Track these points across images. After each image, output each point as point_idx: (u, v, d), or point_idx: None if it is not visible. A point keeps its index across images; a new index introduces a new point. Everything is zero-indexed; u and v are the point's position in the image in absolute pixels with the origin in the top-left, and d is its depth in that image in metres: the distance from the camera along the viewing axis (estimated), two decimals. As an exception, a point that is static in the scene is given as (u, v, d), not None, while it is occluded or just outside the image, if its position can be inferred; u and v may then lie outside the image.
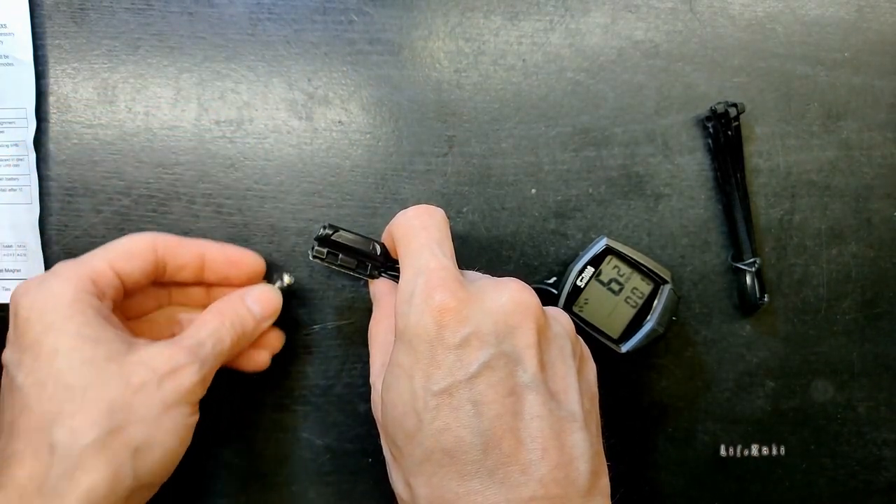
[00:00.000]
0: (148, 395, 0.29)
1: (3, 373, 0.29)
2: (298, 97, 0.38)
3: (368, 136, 0.38)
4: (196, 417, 0.31)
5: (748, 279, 0.38)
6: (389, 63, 0.38)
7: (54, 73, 0.38)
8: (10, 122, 0.37)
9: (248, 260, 0.35)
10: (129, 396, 0.28)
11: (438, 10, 0.38)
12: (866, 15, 0.39)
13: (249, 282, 0.35)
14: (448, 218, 0.32)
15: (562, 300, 0.36)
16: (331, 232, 0.33)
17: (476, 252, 0.39)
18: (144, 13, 0.38)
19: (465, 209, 0.39)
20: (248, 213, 0.38)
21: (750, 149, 0.39)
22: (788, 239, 0.39)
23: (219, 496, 0.38)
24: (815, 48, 0.39)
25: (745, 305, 0.38)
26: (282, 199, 0.38)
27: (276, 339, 0.36)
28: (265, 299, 0.34)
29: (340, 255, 0.33)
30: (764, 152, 0.39)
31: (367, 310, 0.38)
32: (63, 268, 0.30)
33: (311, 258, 0.33)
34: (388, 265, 0.34)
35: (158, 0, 0.38)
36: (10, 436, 0.27)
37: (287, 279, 0.36)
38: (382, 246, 0.34)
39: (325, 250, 0.33)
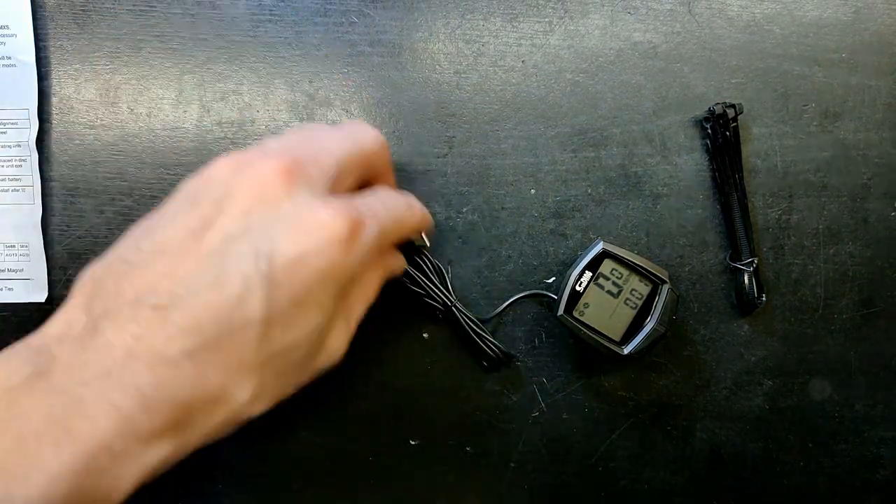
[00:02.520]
0: (307, 378, 0.29)
1: (255, 276, 0.24)
2: (300, 98, 0.38)
3: (369, 136, 0.39)
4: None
5: (746, 279, 0.38)
6: (390, 65, 0.39)
7: (56, 74, 0.38)
8: (12, 123, 0.37)
9: (430, 224, 0.35)
10: (305, 379, 0.29)
11: (439, 12, 0.39)
12: (863, 16, 0.39)
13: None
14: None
15: (561, 306, 0.36)
16: None
17: (476, 252, 0.39)
18: (146, 15, 0.38)
19: (465, 209, 0.39)
20: (250, 214, 0.38)
21: (748, 149, 0.39)
22: (786, 238, 0.39)
23: (219, 496, 0.39)
24: (812, 49, 0.39)
25: (743, 305, 0.38)
26: (283, 199, 0.38)
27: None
28: (400, 268, 0.35)
29: None
30: (762, 152, 0.39)
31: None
32: (370, 240, 0.27)
33: None
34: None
35: (160, 2, 0.38)
36: (188, 314, 0.24)
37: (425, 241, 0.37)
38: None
39: None
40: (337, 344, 0.29)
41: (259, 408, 0.27)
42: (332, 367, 0.30)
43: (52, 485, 0.22)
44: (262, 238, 0.25)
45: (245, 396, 0.26)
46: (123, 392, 0.23)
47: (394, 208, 0.30)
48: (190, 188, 0.27)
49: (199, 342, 0.24)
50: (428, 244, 0.37)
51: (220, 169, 0.27)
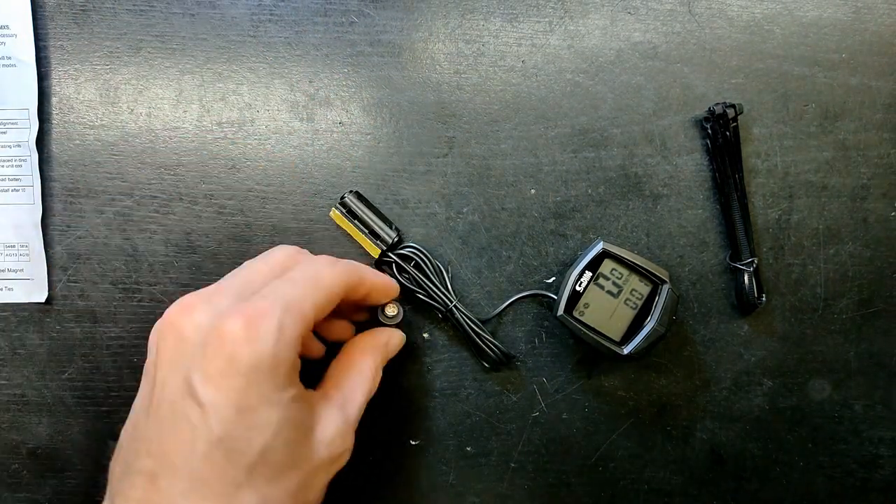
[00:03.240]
0: (321, 476, 0.30)
1: (191, 405, 0.27)
2: (300, 98, 0.38)
3: (369, 137, 0.39)
4: None
5: (746, 279, 0.38)
6: (390, 64, 0.39)
7: (56, 74, 0.38)
8: (12, 123, 0.37)
9: (395, 290, 0.36)
10: (311, 479, 0.29)
11: (439, 11, 0.39)
12: (863, 16, 0.39)
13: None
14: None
15: (561, 306, 0.36)
16: (355, 197, 0.37)
17: (476, 252, 0.39)
18: (146, 14, 0.38)
19: (465, 209, 0.39)
20: (250, 214, 0.38)
21: (748, 149, 0.39)
22: (786, 239, 0.39)
23: (220, 495, 0.39)
24: (812, 49, 0.39)
25: (743, 305, 0.39)
26: (283, 199, 0.38)
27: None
28: (398, 348, 0.36)
29: (359, 217, 0.37)
30: (762, 153, 0.39)
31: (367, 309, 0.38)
32: (285, 319, 0.28)
33: (330, 214, 0.37)
34: (395, 249, 0.37)
35: (160, 1, 0.38)
36: (166, 466, 0.26)
37: (401, 311, 0.37)
38: (398, 232, 0.37)
39: (349, 206, 0.37)
40: (330, 434, 0.30)
41: None
42: (342, 458, 0.31)
43: None
44: (185, 372, 0.27)
45: None
46: None
47: (302, 277, 0.30)
48: (144, 367, 0.30)
49: (185, 484, 0.26)
50: (397, 314, 0.37)
51: (150, 338, 0.30)
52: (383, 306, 0.37)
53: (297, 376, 0.29)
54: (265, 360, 0.27)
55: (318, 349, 0.36)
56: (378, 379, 0.34)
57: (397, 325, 0.37)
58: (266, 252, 0.33)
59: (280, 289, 0.29)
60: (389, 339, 0.35)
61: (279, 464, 0.27)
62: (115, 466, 0.29)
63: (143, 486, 0.27)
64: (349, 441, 0.31)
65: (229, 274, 0.32)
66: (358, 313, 0.37)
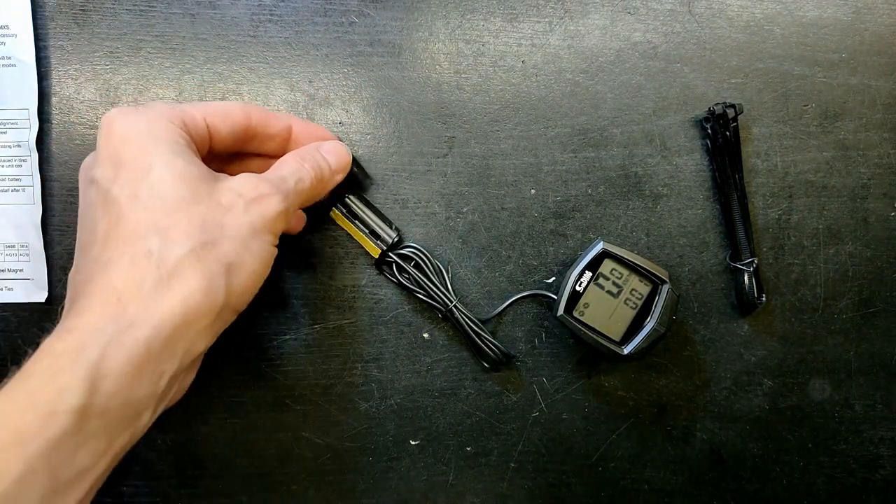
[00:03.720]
0: (237, 216, 0.29)
1: (94, 188, 0.29)
2: (300, 98, 0.38)
3: (369, 136, 0.39)
4: (276, 251, 0.31)
5: (746, 279, 0.38)
6: (390, 65, 0.39)
7: (56, 74, 0.38)
8: (12, 123, 0.37)
9: (330, 137, 0.36)
10: (219, 215, 0.29)
11: (439, 12, 0.39)
12: (863, 16, 0.39)
13: None
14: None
15: (561, 306, 0.36)
16: (356, 197, 0.37)
17: (476, 252, 0.39)
18: (146, 14, 0.38)
19: (465, 209, 0.39)
20: (250, 214, 0.38)
21: (748, 149, 0.39)
22: (786, 238, 0.39)
23: (219, 496, 0.39)
24: (812, 49, 0.39)
25: (743, 305, 0.39)
26: (283, 199, 0.38)
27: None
28: (339, 152, 0.35)
29: (359, 217, 0.37)
30: (762, 152, 0.39)
31: (367, 309, 0.39)
32: (157, 105, 0.31)
33: (330, 214, 0.37)
34: (396, 249, 0.38)
35: (160, 1, 0.38)
36: (104, 245, 0.28)
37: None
38: (398, 232, 0.38)
39: (350, 205, 0.37)
40: (237, 182, 0.30)
41: (184, 245, 0.28)
42: (265, 205, 0.30)
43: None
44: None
45: (150, 243, 0.27)
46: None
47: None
48: None
49: (90, 249, 0.29)
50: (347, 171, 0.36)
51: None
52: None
53: (194, 148, 0.31)
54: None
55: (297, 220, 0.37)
56: (309, 172, 0.33)
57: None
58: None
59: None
60: (321, 144, 0.35)
61: (170, 197, 0.28)
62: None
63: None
64: (262, 187, 0.31)
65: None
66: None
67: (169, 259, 0.27)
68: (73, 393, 0.25)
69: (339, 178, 0.35)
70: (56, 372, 0.25)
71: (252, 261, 0.30)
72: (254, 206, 0.30)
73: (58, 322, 0.28)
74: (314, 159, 0.34)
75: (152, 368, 0.27)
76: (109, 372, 0.25)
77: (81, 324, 0.26)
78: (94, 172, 0.29)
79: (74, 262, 0.31)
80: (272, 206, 0.30)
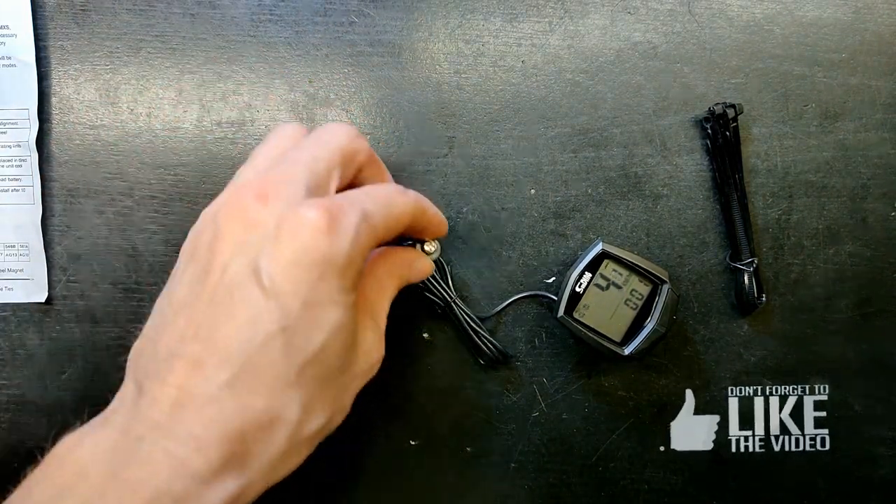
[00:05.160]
0: (357, 383, 0.29)
1: (260, 289, 0.25)
2: (300, 98, 0.38)
3: (369, 136, 0.39)
4: None
5: (746, 279, 0.38)
6: (390, 64, 0.39)
7: (56, 74, 0.38)
8: (12, 123, 0.37)
9: (444, 229, 0.35)
10: (350, 386, 0.29)
11: (439, 12, 0.39)
12: (863, 16, 0.39)
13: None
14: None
15: (561, 307, 0.36)
16: None
17: (476, 252, 0.39)
18: (146, 14, 0.38)
19: (465, 209, 0.39)
20: (250, 214, 0.38)
21: (748, 149, 0.39)
22: (786, 239, 0.39)
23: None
24: (812, 49, 0.39)
25: (743, 305, 0.39)
26: (283, 199, 0.38)
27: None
28: (424, 274, 0.35)
29: None
30: (762, 153, 0.39)
31: (367, 309, 0.38)
32: (362, 225, 0.27)
33: None
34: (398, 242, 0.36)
35: (160, 1, 0.38)
36: (215, 352, 0.25)
37: (438, 249, 0.36)
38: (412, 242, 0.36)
39: None
40: (369, 344, 0.30)
41: (318, 423, 0.27)
42: (375, 367, 0.30)
43: None
44: (253, 257, 0.26)
45: (295, 412, 0.26)
46: (175, 438, 0.24)
47: (379, 195, 0.29)
48: (187, 247, 0.28)
49: (232, 373, 0.25)
50: (435, 250, 0.36)
51: (204, 218, 0.28)
52: (424, 240, 0.36)
53: (358, 285, 0.28)
54: (340, 256, 0.26)
55: None
56: (395, 294, 0.33)
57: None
58: (317, 133, 0.30)
59: (357, 196, 0.28)
60: (416, 260, 0.34)
61: (330, 367, 0.27)
62: (140, 355, 0.27)
63: (185, 371, 0.25)
64: (382, 349, 0.31)
65: (280, 147, 0.30)
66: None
67: (301, 435, 0.27)
68: None
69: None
70: None
71: (341, 422, 0.30)
72: (371, 371, 0.30)
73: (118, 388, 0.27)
74: (402, 281, 0.33)
75: None
76: None
77: (204, 466, 0.24)
78: (268, 271, 0.25)
79: (166, 323, 0.27)
80: (377, 368, 0.31)
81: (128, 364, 0.28)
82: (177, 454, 0.24)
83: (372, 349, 0.30)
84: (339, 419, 0.29)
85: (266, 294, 0.25)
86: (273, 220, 0.26)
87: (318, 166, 0.28)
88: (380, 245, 0.30)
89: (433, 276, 0.37)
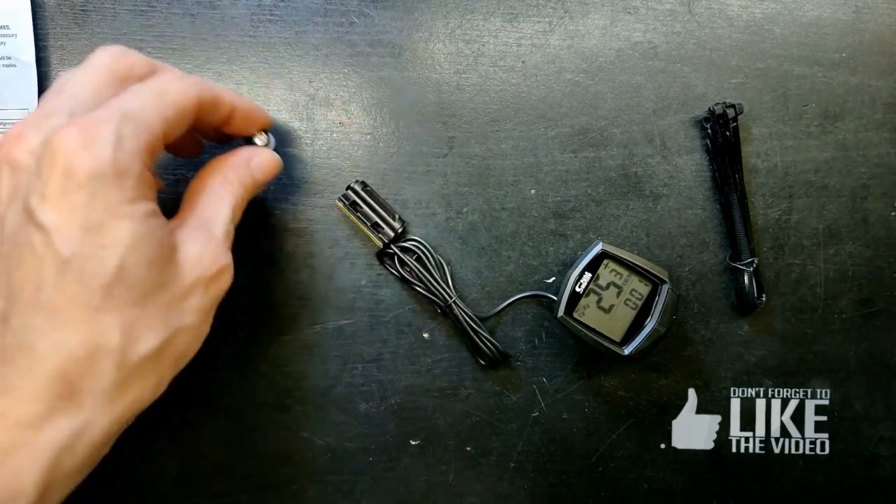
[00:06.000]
0: (197, 300, 0.28)
1: (34, 228, 0.24)
2: (299, 98, 0.38)
3: (369, 137, 0.39)
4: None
5: (746, 279, 0.38)
6: (390, 65, 0.39)
7: (57, 74, 0.38)
8: (12, 124, 0.37)
9: (264, 117, 0.33)
10: (182, 302, 0.27)
11: (439, 12, 0.39)
12: (863, 16, 0.39)
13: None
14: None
15: (561, 307, 0.36)
16: (360, 188, 0.37)
17: (476, 252, 0.39)
18: (146, 15, 0.38)
19: (465, 209, 0.39)
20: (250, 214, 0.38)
21: (748, 149, 0.39)
22: (786, 238, 0.39)
23: (219, 496, 0.39)
24: (812, 49, 0.39)
25: (743, 305, 0.39)
26: (283, 199, 0.38)
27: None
28: (269, 168, 0.33)
29: (361, 209, 0.37)
30: (762, 152, 0.39)
31: (367, 310, 0.39)
32: (125, 127, 0.25)
33: (336, 201, 0.36)
34: (398, 241, 0.37)
35: (160, 2, 0.38)
36: (49, 311, 0.24)
37: (271, 139, 0.34)
38: (403, 223, 0.37)
39: (352, 197, 0.37)
40: (196, 252, 0.28)
41: (148, 345, 0.26)
42: (220, 277, 0.28)
43: None
44: (24, 198, 0.25)
45: (114, 338, 0.25)
46: None
47: (146, 88, 0.28)
48: None
49: (35, 317, 0.24)
50: (262, 143, 0.34)
51: None
52: (251, 137, 0.34)
53: (151, 193, 0.27)
54: (105, 167, 0.24)
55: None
56: (239, 199, 0.31)
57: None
58: (88, 59, 0.29)
59: (117, 100, 0.26)
60: (252, 156, 0.32)
61: (140, 283, 0.25)
62: None
63: None
64: (221, 258, 0.29)
65: (51, 92, 0.28)
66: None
67: (131, 360, 0.26)
68: (26, 499, 0.24)
69: (264, 186, 0.33)
70: (11, 475, 0.24)
71: (196, 345, 0.28)
72: (212, 286, 0.28)
73: None
74: (246, 185, 0.31)
75: (95, 460, 0.26)
76: (61, 478, 0.25)
77: (30, 412, 0.24)
78: (39, 208, 0.24)
79: None
80: (227, 280, 0.29)
81: None
82: None
83: (203, 260, 0.28)
84: (184, 341, 0.28)
85: (43, 231, 0.24)
86: (33, 157, 0.25)
87: (80, 90, 0.27)
88: (171, 140, 0.29)
89: (433, 276, 0.37)
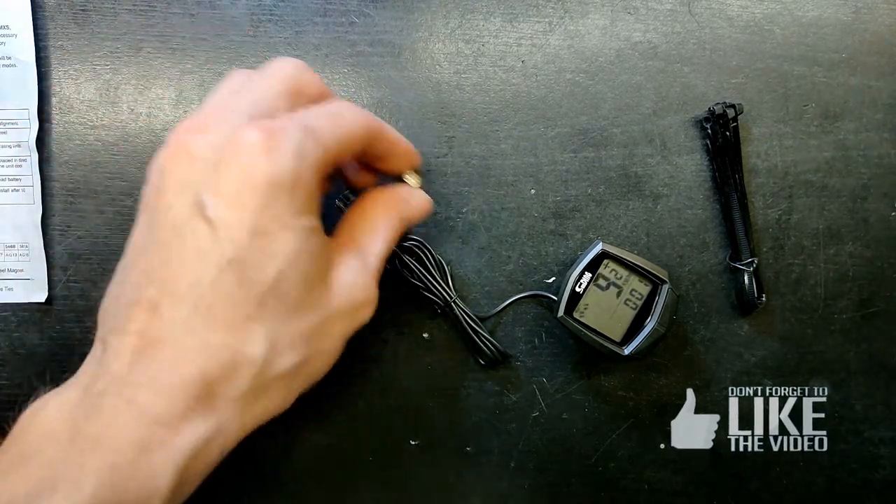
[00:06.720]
0: (339, 326, 0.28)
1: (202, 219, 0.24)
2: (299, 98, 0.38)
3: (369, 136, 0.39)
4: None
5: (746, 279, 0.38)
6: (390, 65, 0.39)
7: (56, 74, 0.38)
8: (12, 123, 0.37)
9: (417, 157, 0.33)
10: (326, 326, 0.27)
11: (438, 11, 0.39)
12: (863, 16, 0.39)
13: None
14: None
15: (561, 307, 0.36)
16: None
17: (476, 252, 0.39)
18: (146, 14, 0.38)
19: (465, 209, 0.39)
20: (250, 214, 0.38)
21: (748, 149, 0.39)
22: (786, 239, 0.39)
23: (219, 496, 0.39)
24: (812, 49, 0.39)
25: (743, 305, 0.39)
26: (283, 199, 0.38)
27: None
28: (424, 209, 0.33)
29: None
30: (762, 153, 0.39)
31: (367, 309, 0.38)
32: (307, 141, 0.25)
33: (336, 201, 0.34)
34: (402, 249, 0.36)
35: (160, 1, 0.38)
36: (197, 306, 0.24)
37: (419, 180, 0.34)
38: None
39: (352, 198, 0.34)
40: (349, 279, 0.28)
41: (288, 361, 0.26)
42: (363, 309, 0.28)
43: (79, 490, 0.22)
44: (196, 191, 0.25)
45: (258, 347, 0.25)
46: (136, 386, 0.24)
47: (325, 110, 0.28)
48: (140, 203, 0.27)
49: (187, 312, 0.24)
50: (416, 183, 0.34)
51: (151, 168, 0.27)
52: (402, 176, 0.34)
53: (317, 209, 0.27)
54: (284, 176, 0.24)
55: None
56: (395, 235, 0.31)
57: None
58: (269, 65, 0.29)
59: (300, 114, 0.26)
60: (411, 196, 0.32)
61: (293, 299, 0.25)
62: (105, 314, 0.26)
63: (143, 316, 0.24)
64: (370, 292, 0.29)
65: (224, 89, 0.28)
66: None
67: (269, 374, 0.25)
68: (160, 499, 0.24)
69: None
70: (147, 474, 0.23)
71: (327, 369, 0.28)
72: (357, 315, 0.28)
73: (92, 336, 0.26)
74: (403, 220, 0.31)
75: (215, 466, 0.26)
76: (189, 481, 0.25)
77: (168, 410, 0.24)
78: (211, 203, 0.24)
79: (125, 276, 0.26)
80: (370, 313, 0.29)
81: (97, 327, 0.27)
82: (138, 401, 0.23)
83: (354, 288, 0.28)
84: (319, 363, 0.28)
85: (211, 227, 0.24)
86: (212, 151, 0.25)
87: (260, 96, 0.27)
88: (336, 165, 0.29)
89: (433, 276, 0.37)
